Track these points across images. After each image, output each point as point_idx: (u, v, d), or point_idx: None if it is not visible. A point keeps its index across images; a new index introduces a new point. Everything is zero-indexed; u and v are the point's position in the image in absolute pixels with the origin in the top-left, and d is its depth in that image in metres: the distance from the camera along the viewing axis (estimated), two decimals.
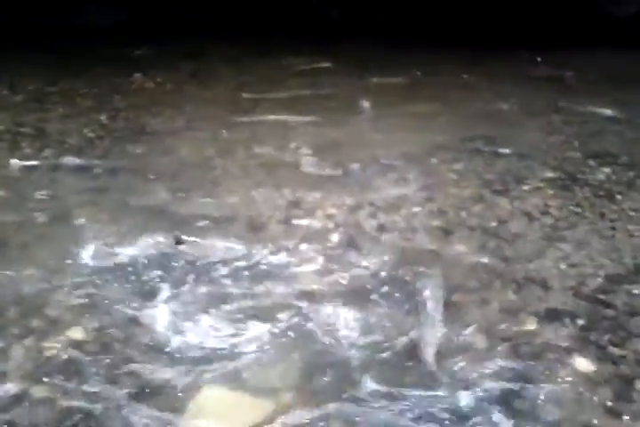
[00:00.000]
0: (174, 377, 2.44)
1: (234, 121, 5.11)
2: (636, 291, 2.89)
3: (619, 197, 3.78)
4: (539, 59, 6.56)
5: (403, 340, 2.63)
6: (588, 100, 5.33)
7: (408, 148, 4.54)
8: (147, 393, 2.37)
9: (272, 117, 5.16)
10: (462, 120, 5.01)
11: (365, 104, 5.45)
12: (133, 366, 2.48)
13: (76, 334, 2.67)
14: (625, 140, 4.64)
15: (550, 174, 4.07)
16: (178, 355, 2.54)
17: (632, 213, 3.58)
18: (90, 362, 2.50)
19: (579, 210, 3.62)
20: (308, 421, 2.23)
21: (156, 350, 2.57)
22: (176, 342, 2.61)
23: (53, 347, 2.57)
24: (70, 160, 4.35)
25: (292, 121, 5.08)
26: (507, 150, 4.44)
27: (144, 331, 2.68)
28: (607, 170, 4.13)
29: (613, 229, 3.43)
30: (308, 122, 5.09)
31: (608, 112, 5.11)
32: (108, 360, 2.51)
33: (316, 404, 2.31)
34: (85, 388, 2.37)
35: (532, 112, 5.18)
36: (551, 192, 3.83)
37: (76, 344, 2.60)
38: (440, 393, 2.34)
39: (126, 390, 2.37)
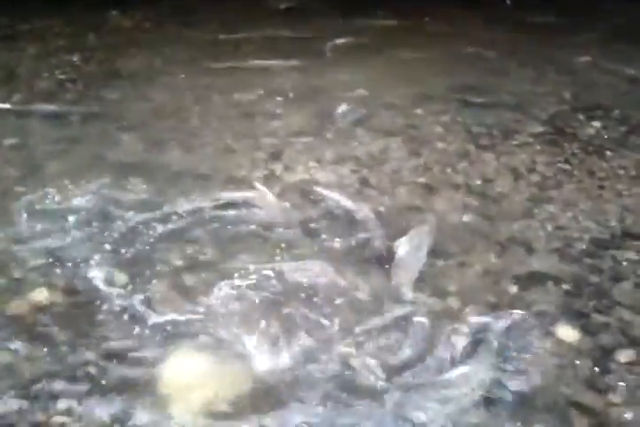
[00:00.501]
0: (143, 341, 2.35)
1: (213, 66, 4.88)
2: (621, 256, 2.82)
3: (609, 153, 3.68)
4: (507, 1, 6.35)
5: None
6: (582, 50, 5.14)
7: (393, 97, 4.38)
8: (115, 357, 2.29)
9: (253, 62, 4.95)
10: (450, 68, 4.84)
11: (349, 48, 5.24)
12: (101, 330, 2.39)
13: (41, 295, 2.57)
14: (618, 92, 4.51)
15: (539, 128, 3.96)
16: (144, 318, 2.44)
17: (621, 172, 3.49)
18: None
19: (567, 167, 3.53)
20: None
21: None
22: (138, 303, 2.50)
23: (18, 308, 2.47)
24: (41, 106, 4.12)
25: (273, 66, 4.88)
26: (495, 102, 4.30)
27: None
28: (598, 124, 4.01)
29: (601, 188, 3.34)
30: (290, 67, 4.89)
31: (602, 63, 4.93)
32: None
33: None
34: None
35: (522, 61, 4.99)
36: (539, 148, 3.72)
37: (41, 305, 2.49)
38: None
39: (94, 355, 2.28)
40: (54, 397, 2.12)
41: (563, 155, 3.64)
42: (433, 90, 4.48)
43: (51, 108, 4.12)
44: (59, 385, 2.16)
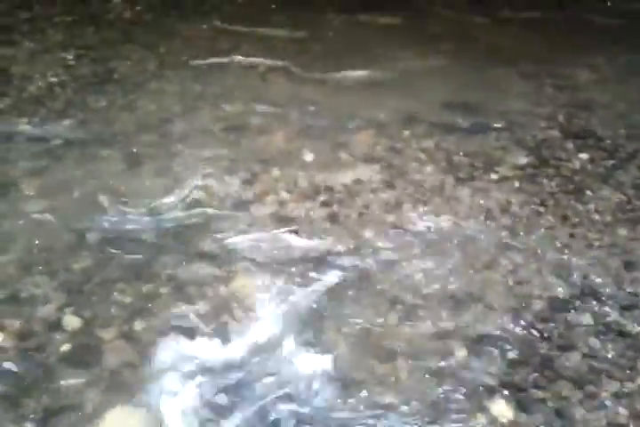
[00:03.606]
0: None
1: (206, 65, 4.81)
2: (576, 320, 2.77)
3: (589, 193, 3.57)
4: None
5: None
6: (586, 62, 4.92)
7: (383, 113, 4.29)
8: None
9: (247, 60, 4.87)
10: (448, 82, 4.67)
11: (349, 49, 5.09)
12: None
13: None
14: (615, 115, 4.34)
15: (523, 160, 3.84)
16: None
17: (596, 217, 3.39)
18: None
19: (541, 209, 3.43)
20: None
21: None
22: None
23: None
24: (26, 121, 4.12)
25: (265, 66, 4.79)
26: (485, 124, 4.18)
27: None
28: (585, 156, 3.88)
29: (572, 236, 3.25)
30: (281, 67, 4.79)
31: (605, 79, 4.75)
32: None
33: None
34: None
35: (524, 73, 4.81)
36: (517, 185, 3.62)
37: None
38: None
39: None
40: None
41: (540, 194, 3.54)
42: (425, 107, 4.36)
43: (35, 120, 4.15)
44: None
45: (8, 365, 2.47)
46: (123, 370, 2.49)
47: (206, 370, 2.50)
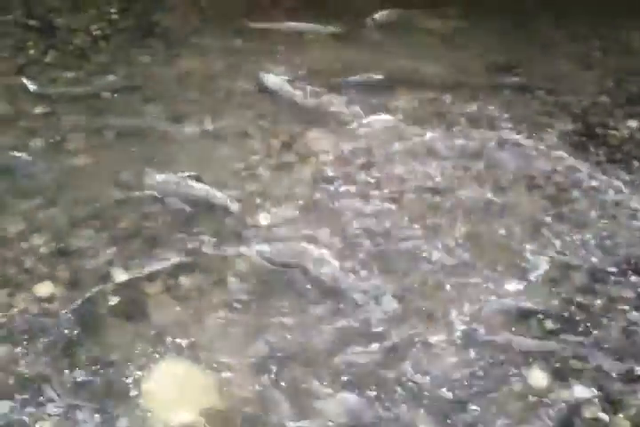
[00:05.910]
0: None
1: (249, 27, 4.73)
2: (617, 293, 2.76)
3: (636, 163, 3.49)
4: None
5: None
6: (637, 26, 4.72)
7: (425, 77, 4.18)
8: None
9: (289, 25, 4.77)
10: (492, 42, 4.52)
11: (388, 15, 4.90)
12: None
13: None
14: None
15: (570, 126, 3.75)
16: None
17: None
18: None
19: (586, 179, 3.37)
20: None
21: None
22: None
23: None
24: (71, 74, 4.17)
25: (308, 32, 4.70)
26: (531, 86, 4.07)
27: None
28: (634, 124, 3.78)
29: (617, 205, 3.20)
30: (326, 34, 4.69)
31: None
32: None
33: None
34: None
35: (573, 34, 4.65)
36: (562, 152, 3.55)
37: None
38: None
39: None
40: None
41: (585, 164, 3.47)
42: (469, 69, 4.23)
43: (81, 74, 4.19)
44: None
45: None
46: None
47: None
